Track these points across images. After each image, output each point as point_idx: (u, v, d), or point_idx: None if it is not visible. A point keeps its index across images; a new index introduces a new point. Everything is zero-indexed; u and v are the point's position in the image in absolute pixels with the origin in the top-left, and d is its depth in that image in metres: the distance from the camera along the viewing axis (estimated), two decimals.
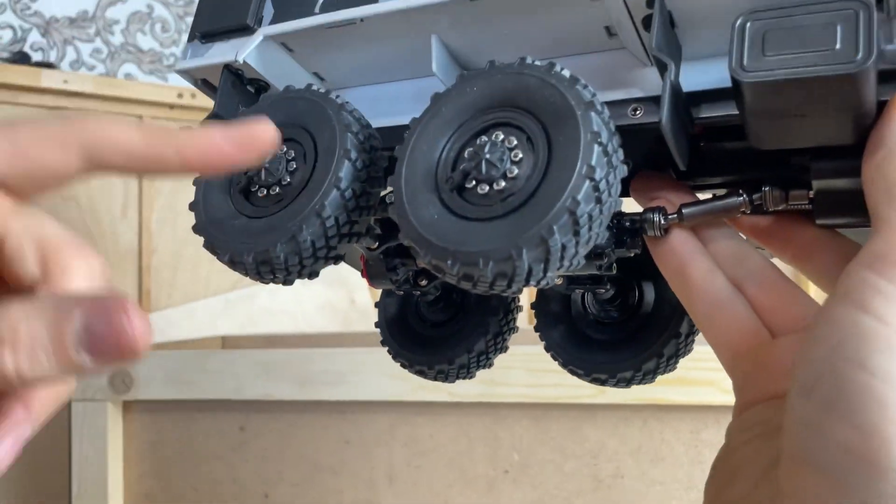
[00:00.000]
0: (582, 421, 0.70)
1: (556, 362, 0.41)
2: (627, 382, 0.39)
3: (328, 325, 1.33)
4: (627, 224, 0.33)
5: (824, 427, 0.23)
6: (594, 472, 0.70)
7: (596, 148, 0.26)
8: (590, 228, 0.27)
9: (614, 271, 0.35)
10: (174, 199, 1.23)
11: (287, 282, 0.34)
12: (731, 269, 0.31)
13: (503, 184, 0.28)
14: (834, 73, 0.24)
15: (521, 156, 0.28)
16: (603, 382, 0.39)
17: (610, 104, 0.30)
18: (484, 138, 0.29)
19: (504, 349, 0.43)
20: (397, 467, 0.75)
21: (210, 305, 1.25)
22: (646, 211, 0.32)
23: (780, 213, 0.31)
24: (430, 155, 0.30)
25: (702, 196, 0.33)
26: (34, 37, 1.18)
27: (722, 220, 0.32)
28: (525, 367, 0.70)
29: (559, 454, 0.71)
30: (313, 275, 0.34)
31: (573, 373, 0.40)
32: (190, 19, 1.32)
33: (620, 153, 0.28)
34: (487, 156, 0.28)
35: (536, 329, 0.41)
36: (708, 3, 0.28)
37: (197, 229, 0.35)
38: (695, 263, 0.31)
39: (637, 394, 0.68)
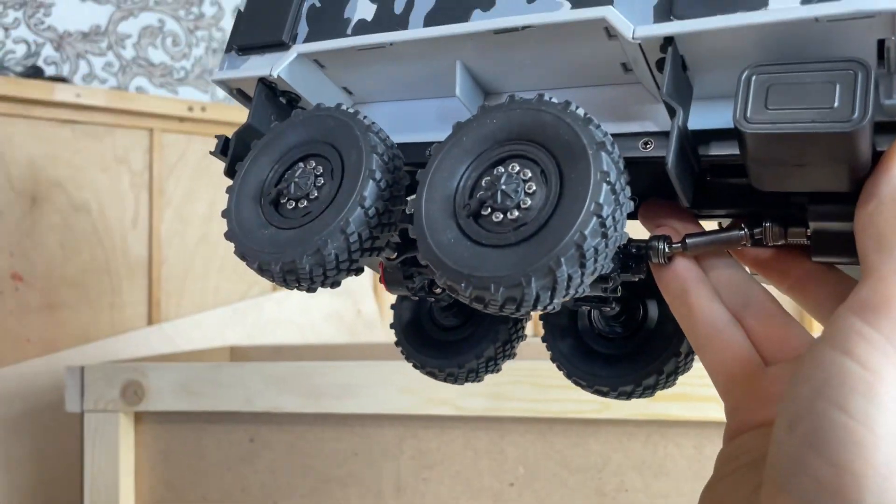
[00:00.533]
0: (586, 435, 0.71)
1: (561, 372, 0.42)
2: (628, 396, 0.40)
3: (335, 334, 1.34)
4: (633, 250, 0.34)
5: (804, 461, 0.24)
6: (598, 486, 0.71)
7: (605, 186, 0.28)
8: (595, 261, 0.28)
9: (619, 293, 0.36)
10: (184, 210, 1.24)
11: (311, 290, 0.35)
12: (730, 298, 0.32)
13: (517, 213, 0.30)
14: (830, 130, 0.25)
15: (534, 188, 0.30)
16: (604, 394, 0.41)
17: (623, 136, 0.32)
18: (501, 169, 0.31)
19: (512, 356, 0.44)
20: (404, 479, 0.76)
21: (218, 315, 1.26)
22: (652, 239, 0.33)
23: (779, 247, 0.32)
24: (449, 181, 0.32)
25: (708, 225, 0.35)
26: (47, 51, 1.19)
27: (724, 251, 0.33)
28: (530, 382, 0.71)
29: (564, 468, 0.72)
30: (336, 284, 0.36)
31: (577, 384, 0.42)
32: (200, 33, 1.33)
33: (628, 191, 0.29)
34: (503, 186, 0.30)
35: (544, 340, 0.43)
36: (719, 50, 0.30)
37: (229, 236, 0.37)
38: (695, 291, 0.32)
39: (641, 409, 0.69)
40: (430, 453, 0.75)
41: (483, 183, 0.31)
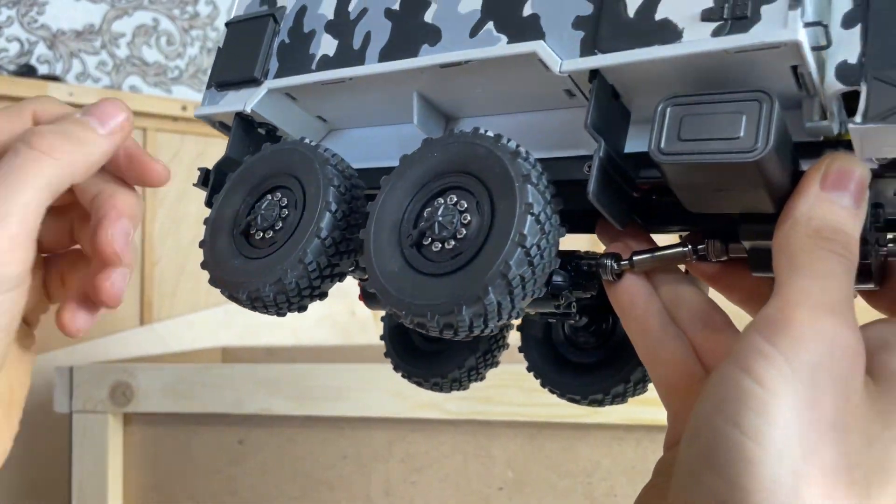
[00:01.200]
0: (576, 440, 0.71)
1: (538, 381, 0.44)
2: (599, 403, 0.42)
3: (328, 336, 1.34)
4: (585, 268, 0.36)
5: (700, 474, 0.25)
6: (588, 491, 0.70)
7: (529, 218, 0.30)
8: (524, 288, 0.30)
9: (574, 309, 0.38)
10: (176, 210, 1.24)
11: (279, 314, 0.37)
12: (677, 311, 0.33)
13: (453, 243, 0.32)
14: (736, 160, 0.27)
15: (469, 218, 0.32)
16: (577, 402, 0.42)
17: (569, 159, 0.33)
18: (440, 200, 0.33)
19: (495, 364, 0.46)
20: (394, 483, 0.76)
21: (210, 316, 1.25)
22: (602, 256, 0.34)
23: (726, 261, 0.33)
24: (395, 212, 0.34)
25: (670, 238, 0.36)
26: (41, 49, 1.19)
27: (674, 266, 0.34)
28: (519, 386, 0.71)
29: (553, 472, 0.72)
30: (302, 309, 0.38)
31: (552, 392, 0.43)
32: (195, 32, 1.33)
33: (556, 219, 0.31)
34: (440, 218, 0.32)
35: (520, 350, 0.44)
36: (646, 79, 0.31)
37: (203, 266, 0.39)
38: (642, 305, 0.33)
39: (631, 414, 0.68)
40: (419, 457, 0.75)
41: (425, 214, 0.33)
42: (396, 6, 0.38)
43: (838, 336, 0.25)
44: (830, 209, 0.27)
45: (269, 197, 0.39)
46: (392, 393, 0.75)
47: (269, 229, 0.38)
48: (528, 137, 0.35)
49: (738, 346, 0.26)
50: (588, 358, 0.42)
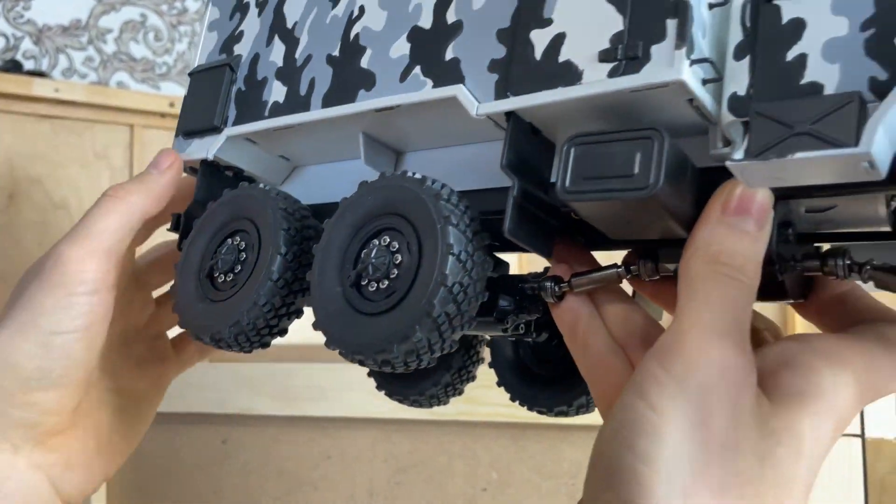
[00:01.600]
0: (559, 441, 0.71)
1: (508, 395, 0.45)
2: (565, 414, 0.43)
3: (314, 336, 1.33)
4: (528, 291, 0.37)
5: (599, 496, 0.26)
6: (572, 492, 0.70)
7: (450, 258, 0.31)
8: (450, 324, 0.32)
9: (522, 330, 0.39)
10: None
11: (244, 351, 0.40)
12: (617, 330, 0.34)
13: (387, 283, 0.33)
14: (631, 197, 0.28)
15: (400, 259, 0.33)
16: (545, 413, 0.44)
17: (502, 190, 0.35)
18: (375, 241, 0.34)
19: (471, 379, 0.48)
20: (377, 483, 0.75)
21: None
22: (543, 279, 0.35)
23: (665, 279, 0.34)
24: (337, 255, 0.35)
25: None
26: (26, 45, 1.18)
27: (616, 285, 0.35)
28: None
29: (537, 473, 0.71)
30: (265, 346, 0.40)
31: (521, 405, 0.44)
32: (183, 28, 1.32)
33: (479, 255, 0.32)
34: (373, 259, 0.34)
35: (490, 366, 0.46)
36: (560, 116, 0.32)
37: (174, 310, 0.42)
38: (584, 324, 0.34)
39: None
40: (403, 457, 0.75)
41: (362, 255, 0.35)
42: (336, 52, 0.40)
43: (727, 360, 0.26)
44: (729, 234, 0.28)
45: (229, 241, 0.41)
46: (375, 393, 0.74)
47: (230, 272, 0.40)
48: (468, 169, 0.37)
49: (636, 373, 0.27)
50: (553, 371, 0.43)
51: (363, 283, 0.34)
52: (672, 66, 0.27)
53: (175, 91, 1.30)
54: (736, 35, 0.28)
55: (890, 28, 0.25)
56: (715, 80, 0.28)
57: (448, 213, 0.32)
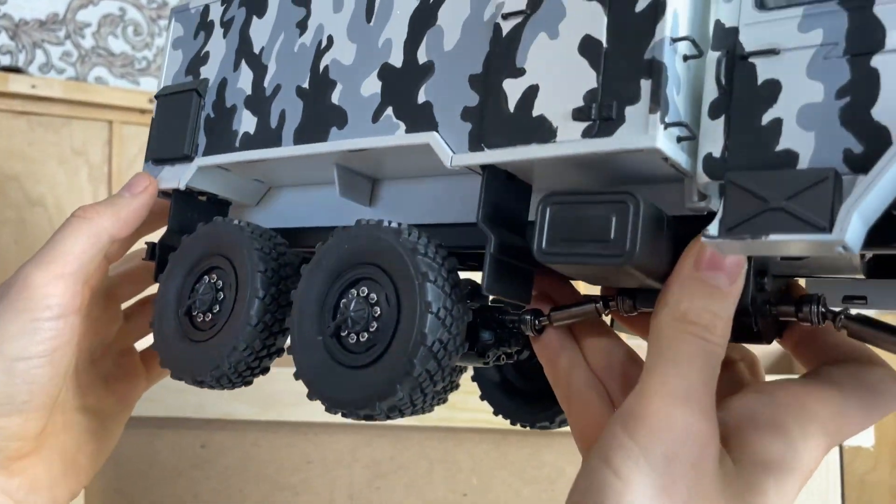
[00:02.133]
0: (540, 447, 0.71)
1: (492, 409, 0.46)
2: (548, 427, 0.43)
3: None
4: (509, 325, 0.37)
5: None
6: (552, 497, 0.70)
7: (429, 317, 0.31)
8: (431, 380, 0.32)
9: (503, 362, 0.39)
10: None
11: (226, 389, 0.40)
12: (597, 364, 0.34)
13: (367, 336, 0.33)
14: (608, 264, 0.28)
15: (379, 311, 0.33)
16: (526, 427, 0.44)
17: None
18: (353, 292, 0.34)
19: (455, 388, 0.47)
20: (358, 488, 0.75)
21: None
22: (523, 313, 0.35)
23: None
24: (316, 303, 0.35)
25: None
26: (2, 39, 1.16)
27: (597, 318, 0.35)
28: None
29: (517, 479, 0.71)
30: (248, 384, 0.40)
31: (505, 418, 0.45)
32: (163, 22, 1.30)
33: (458, 309, 0.32)
34: (352, 313, 0.33)
35: (473, 379, 0.46)
36: (532, 167, 0.32)
37: (153, 347, 0.41)
38: (563, 356, 0.34)
39: None
40: (383, 462, 0.74)
41: (341, 305, 0.34)
42: (306, 84, 0.39)
43: (691, 425, 0.26)
44: (700, 290, 0.28)
45: (205, 279, 0.40)
46: None
47: (209, 311, 0.39)
48: (445, 202, 0.37)
49: (601, 437, 0.28)
50: (535, 386, 0.44)
51: (343, 334, 0.34)
52: (646, 133, 0.27)
53: (155, 87, 1.28)
54: (711, 91, 0.28)
55: (865, 97, 0.25)
56: (689, 139, 0.28)
57: (426, 268, 0.31)
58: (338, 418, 0.76)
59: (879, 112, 0.25)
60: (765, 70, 0.27)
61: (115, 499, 0.82)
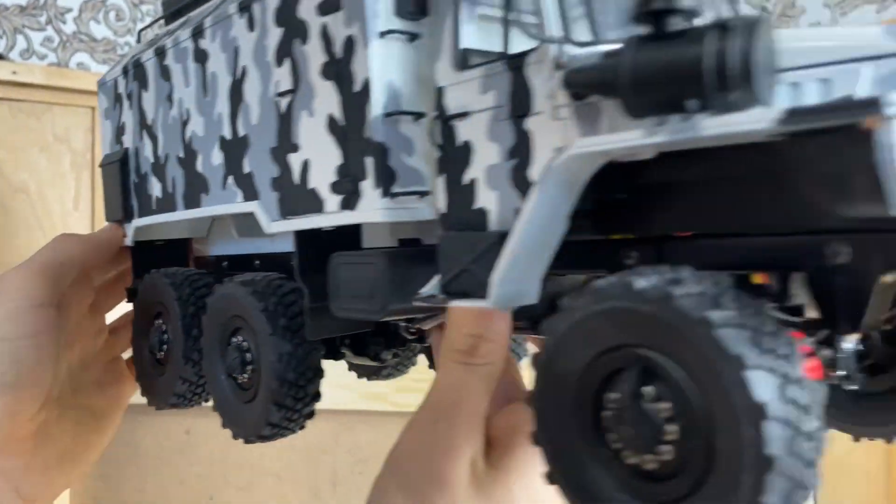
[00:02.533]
0: None
1: None
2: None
3: None
4: (392, 330, 0.45)
5: None
6: None
7: (276, 367, 0.40)
8: (295, 403, 0.42)
9: (397, 359, 0.48)
10: None
11: (187, 407, 0.50)
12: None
13: (246, 377, 0.41)
14: (368, 318, 0.34)
15: (251, 357, 0.41)
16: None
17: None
18: (234, 339, 0.42)
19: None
20: (340, 473, 0.76)
21: None
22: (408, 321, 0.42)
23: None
24: (217, 348, 0.43)
25: None
26: None
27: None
28: None
29: None
30: (206, 400, 0.49)
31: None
32: (145, 7, 1.30)
33: (302, 350, 0.42)
34: (231, 359, 0.42)
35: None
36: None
37: (137, 378, 0.52)
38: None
39: None
40: (365, 448, 0.75)
41: (227, 352, 0.42)
42: (182, 154, 0.45)
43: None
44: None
45: (156, 322, 0.49)
46: (339, 385, 0.75)
47: (160, 350, 0.49)
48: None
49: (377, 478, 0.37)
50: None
51: (234, 375, 0.42)
52: (375, 208, 0.31)
53: None
54: (433, 150, 0.30)
55: (524, 158, 0.26)
56: (426, 194, 0.32)
57: (268, 324, 0.39)
58: (321, 404, 0.76)
59: (534, 172, 0.26)
60: (461, 132, 0.29)
61: (99, 484, 0.83)
